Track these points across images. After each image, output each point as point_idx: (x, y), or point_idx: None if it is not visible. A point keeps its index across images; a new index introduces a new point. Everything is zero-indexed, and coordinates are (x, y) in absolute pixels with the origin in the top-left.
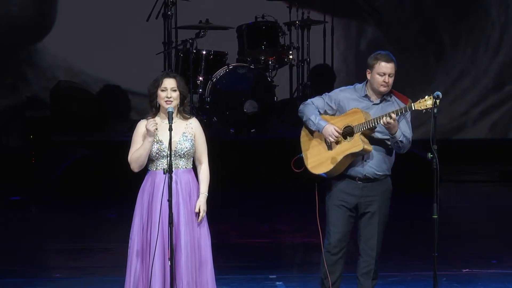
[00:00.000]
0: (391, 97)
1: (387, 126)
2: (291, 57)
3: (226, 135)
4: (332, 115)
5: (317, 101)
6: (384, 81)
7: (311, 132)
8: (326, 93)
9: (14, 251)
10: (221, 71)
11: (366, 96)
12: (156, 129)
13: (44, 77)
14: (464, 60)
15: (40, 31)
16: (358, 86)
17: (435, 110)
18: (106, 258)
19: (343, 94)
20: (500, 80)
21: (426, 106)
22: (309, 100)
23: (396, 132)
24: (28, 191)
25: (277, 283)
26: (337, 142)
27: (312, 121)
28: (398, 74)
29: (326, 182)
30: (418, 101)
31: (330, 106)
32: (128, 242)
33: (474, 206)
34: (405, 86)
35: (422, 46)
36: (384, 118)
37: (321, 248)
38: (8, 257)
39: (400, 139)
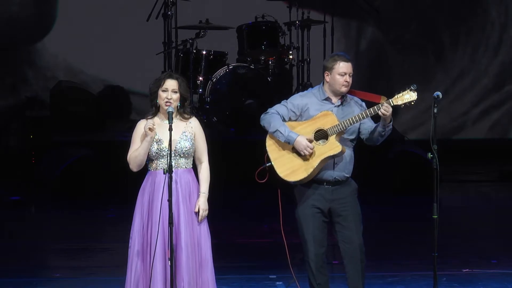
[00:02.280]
0: (348, 97)
1: (385, 116)
2: (291, 57)
3: (226, 135)
4: (295, 120)
5: (280, 109)
6: (346, 81)
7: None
8: (286, 100)
9: (14, 251)
10: (221, 71)
11: (327, 99)
12: (150, 129)
13: (44, 77)
14: (464, 60)
15: (40, 31)
16: (315, 90)
17: (435, 110)
18: (106, 258)
19: (306, 100)
20: (500, 80)
21: (404, 100)
22: (272, 109)
23: (391, 120)
24: (28, 191)
25: (277, 283)
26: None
27: (281, 133)
28: (398, 74)
29: (295, 189)
30: (395, 97)
31: (294, 112)
32: (128, 242)
33: (474, 206)
34: (405, 86)
35: (422, 46)
36: (383, 109)
37: (287, 253)
38: (8, 257)
39: (391, 127)
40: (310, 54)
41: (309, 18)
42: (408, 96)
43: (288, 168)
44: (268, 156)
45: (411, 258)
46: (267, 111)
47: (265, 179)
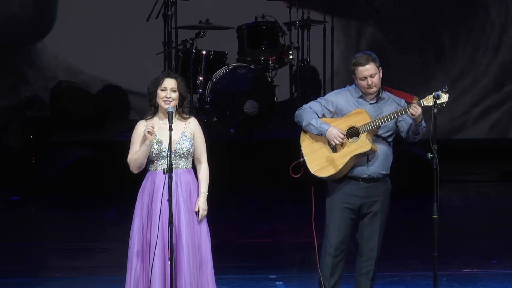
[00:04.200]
0: (385, 94)
1: (414, 116)
2: (291, 57)
3: (226, 135)
4: (330, 118)
5: (314, 106)
6: (368, 84)
7: (312, 136)
8: (322, 97)
9: (14, 251)
10: (221, 71)
11: (361, 97)
12: (150, 132)
13: (44, 77)
14: (464, 60)
15: (40, 31)
16: (351, 88)
17: (435, 110)
18: (106, 258)
19: (340, 97)
20: (500, 80)
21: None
22: (305, 105)
23: (422, 119)
24: (28, 191)
25: (277, 283)
26: (342, 144)
27: (313, 125)
28: (398, 74)
29: (327, 185)
30: (426, 97)
31: (328, 110)
32: (128, 242)
33: (474, 206)
34: (404, 86)
35: (421, 46)
36: (411, 109)
37: (316, 251)
38: (8, 257)
39: (424, 125)
40: (310, 54)
41: (309, 18)
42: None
43: (319, 163)
44: (302, 152)
45: (411, 258)
46: (301, 107)
47: (300, 174)
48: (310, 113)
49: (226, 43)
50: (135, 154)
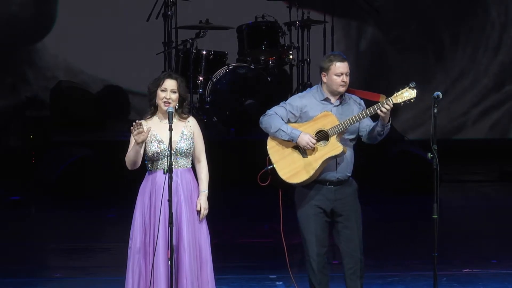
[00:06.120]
0: (346, 96)
1: (384, 115)
2: (291, 57)
3: (226, 135)
4: (294, 122)
5: (279, 111)
6: (343, 81)
7: (280, 142)
8: (285, 102)
9: (13, 251)
10: (221, 71)
11: (326, 99)
12: (136, 131)
13: (44, 77)
14: (464, 60)
15: (40, 31)
16: (313, 90)
17: (435, 110)
18: (106, 258)
19: (305, 101)
20: (500, 80)
21: (403, 98)
22: (270, 111)
23: (389, 120)
24: (28, 191)
25: (277, 283)
26: (313, 149)
27: (283, 131)
28: (398, 74)
29: (296, 190)
30: (394, 95)
31: (293, 114)
32: (128, 242)
33: (474, 206)
34: (404, 86)
35: (422, 46)
36: (383, 108)
37: (286, 256)
38: (8, 257)
39: (389, 126)
40: (310, 54)
41: (309, 18)
42: (407, 94)
43: (290, 170)
44: (269, 159)
45: (411, 258)
46: (266, 113)
47: (267, 182)
48: (277, 118)
49: (226, 43)
50: (128, 153)
